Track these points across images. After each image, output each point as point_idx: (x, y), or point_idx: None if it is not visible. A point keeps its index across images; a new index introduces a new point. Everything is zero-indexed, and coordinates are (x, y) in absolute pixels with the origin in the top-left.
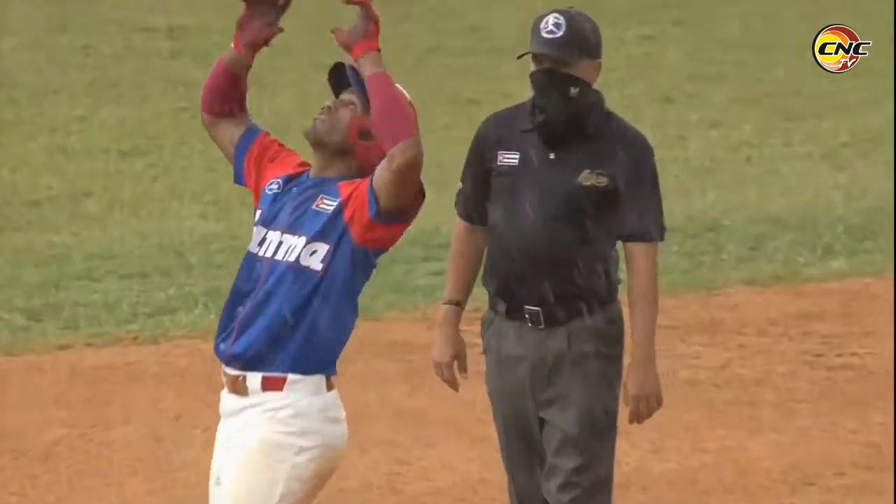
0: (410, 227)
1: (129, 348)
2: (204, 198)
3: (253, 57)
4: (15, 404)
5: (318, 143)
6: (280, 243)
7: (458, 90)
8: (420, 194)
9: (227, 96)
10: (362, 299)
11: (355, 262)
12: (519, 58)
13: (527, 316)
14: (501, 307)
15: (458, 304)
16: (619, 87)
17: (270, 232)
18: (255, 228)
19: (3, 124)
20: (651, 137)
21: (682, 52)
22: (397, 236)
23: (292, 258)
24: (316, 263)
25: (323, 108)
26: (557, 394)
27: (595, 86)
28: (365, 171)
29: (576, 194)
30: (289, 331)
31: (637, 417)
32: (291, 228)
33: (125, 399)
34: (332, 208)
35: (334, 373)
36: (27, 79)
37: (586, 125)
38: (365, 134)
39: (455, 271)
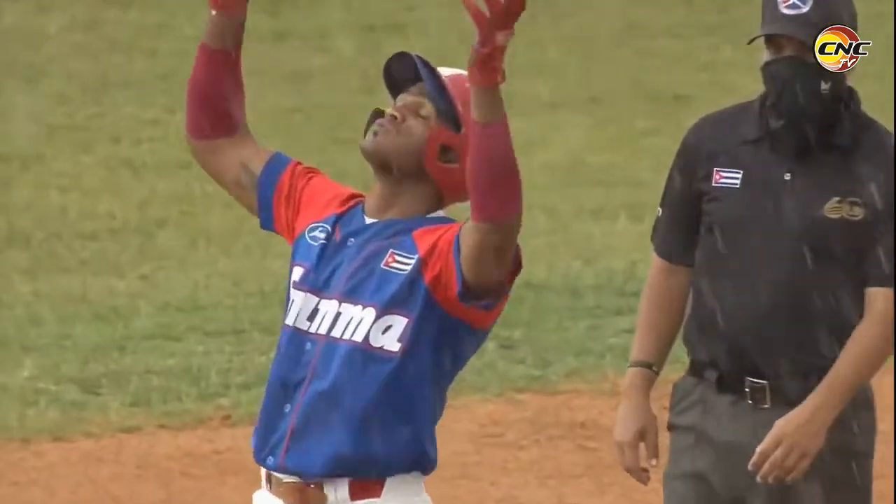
0: (597, 269)
1: (219, 431)
2: None
3: (244, 8)
4: None
5: (383, 166)
6: (338, 315)
7: (661, 82)
8: (517, 266)
9: (222, 97)
10: (529, 366)
11: (444, 340)
12: (750, 42)
13: (747, 390)
14: (711, 375)
15: (650, 367)
16: (875, 82)
17: (324, 301)
18: (294, 292)
19: (50, 130)
20: None
21: None
22: (494, 317)
23: (360, 336)
24: (392, 343)
25: (383, 116)
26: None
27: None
28: (444, 198)
29: (820, 230)
30: (366, 431)
31: (765, 463)
32: (354, 295)
33: (214, 500)
34: (408, 268)
35: (433, 468)
36: (81, 69)
37: (837, 134)
38: (446, 152)
39: (647, 324)
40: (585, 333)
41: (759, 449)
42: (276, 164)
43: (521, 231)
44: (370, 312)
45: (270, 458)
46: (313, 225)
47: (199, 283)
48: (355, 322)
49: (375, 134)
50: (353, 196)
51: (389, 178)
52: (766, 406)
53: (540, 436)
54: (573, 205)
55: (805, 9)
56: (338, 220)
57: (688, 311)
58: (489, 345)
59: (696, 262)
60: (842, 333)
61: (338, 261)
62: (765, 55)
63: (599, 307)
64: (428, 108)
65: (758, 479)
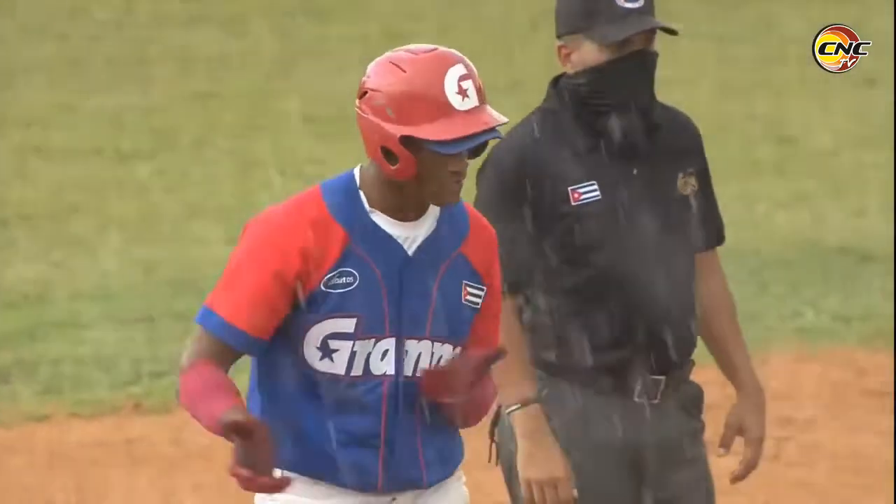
0: None
1: (131, 420)
2: (235, 215)
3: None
4: None
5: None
6: (433, 355)
7: None
8: None
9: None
10: None
11: None
12: (610, 44)
13: (637, 387)
14: (606, 383)
15: (537, 402)
16: (796, 62)
17: (411, 341)
18: (346, 343)
19: None
20: (845, 130)
21: (889, 19)
22: None
23: None
24: None
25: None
26: (674, 496)
27: None
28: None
29: (678, 210)
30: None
31: (753, 467)
32: (444, 335)
33: (124, 489)
34: (480, 300)
35: None
36: None
37: (651, 118)
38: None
39: (523, 360)
40: None
41: (745, 461)
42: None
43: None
44: (450, 349)
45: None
46: (328, 276)
47: (110, 271)
48: (439, 358)
49: (460, 187)
50: (295, 237)
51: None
52: (656, 402)
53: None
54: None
55: (641, 2)
56: (347, 257)
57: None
58: None
59: (568, 284)
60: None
61: (402, 297)
62: (600, 54)
63: None
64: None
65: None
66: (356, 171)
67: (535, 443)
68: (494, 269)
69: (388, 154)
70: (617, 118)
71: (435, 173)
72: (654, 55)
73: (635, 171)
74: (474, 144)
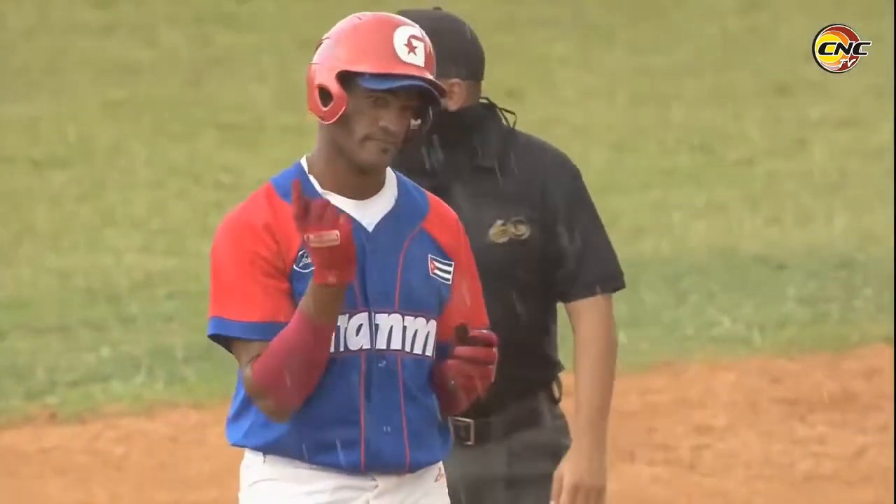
0: None
1: (45, 430)
2: (149, 224)
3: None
4: None
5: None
6: (405, 329)
7: (493, 77)
8: None
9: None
10: None
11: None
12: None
13: (451, 427)
14: None
15: None
16: (712, 72)
17: (381, 315)
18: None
19: None
20: (760, 140)
21: (801, 25)
22: None
23: (431, 351)
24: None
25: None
26: None
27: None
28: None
29: (489, 256)
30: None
31: None
32: (413, 307)
33: (40, 499)
34: (450, 276)
35: None
36: None
37: (482, 156)
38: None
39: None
40: None
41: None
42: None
43: None
44: (433, 324)
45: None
46: (299, 255)
47: (24, 279)
48: (423, 335)
49: (385, 152)
50: (261, 224)
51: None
52: (470, 443)
53: None
54: None
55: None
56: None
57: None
58: None
59: None
60: (533, 354)
61: (366, 272)
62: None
63: None
64: (407, 120)
65: None
66: (303, 161)
67: (601, 451)
68: (461, 249)
69: (325, 95)
70: (428, 157)
71: (364, 121)
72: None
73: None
74: (401, 84)
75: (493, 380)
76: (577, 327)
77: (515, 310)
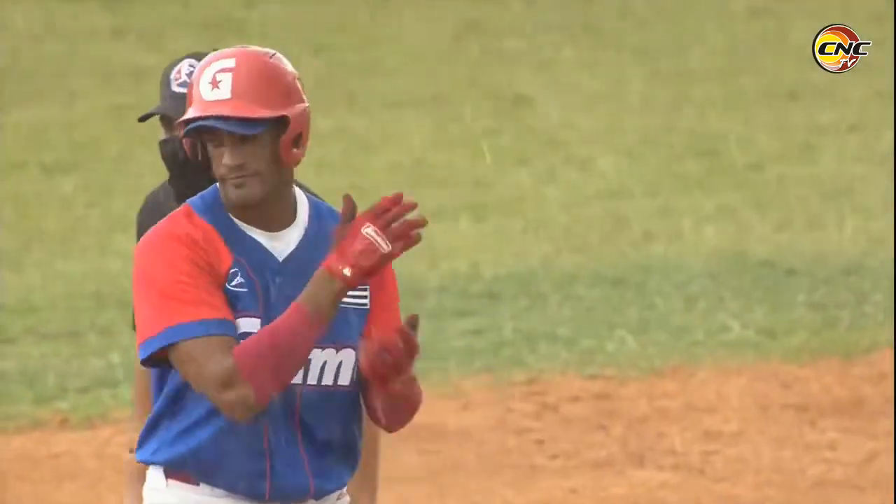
0: (440, 270)
1: (56, 435)
2: None
3: None
4: None
5: (256, 206)
6: (326, 363)
7: (502, 82)
8: None
9: None
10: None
11: None
12: (142, 120)
13: None
14: None
15: None
16: (721, 77)
17: (314, 350)
18: None
19: None
20: (768, 145)
21: (810, 30)
22: None
23: (346, 380)
24: (346, 378)
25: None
26: None
27: None
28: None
29: None
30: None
31: None
32: (329, 339)
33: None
34: (366, 301)
35: None
36: None
37: None
38: (297, 140)
39: (142, 408)
40: (428, 336)
41: None
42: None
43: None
44: (346, 353)
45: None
46: (230, 273)
47: (34, 285)
48: (333, 366)
49: (239, 187)
50: (188, 236)
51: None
52: None
53: (382, 440)
54: None
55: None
56: (236, 260)
57: None
58: None
59: None
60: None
61: (272, 305)
62: (161, 132)
63: (442, 309)
64: (258, 150)
65: None
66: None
67: None
68: (382, 274)
69: None
70: (175, 193)
71: (216, 164)
72: (168, 145)
73: None
74: (186, 129)
75: (407, 374)
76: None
77: None
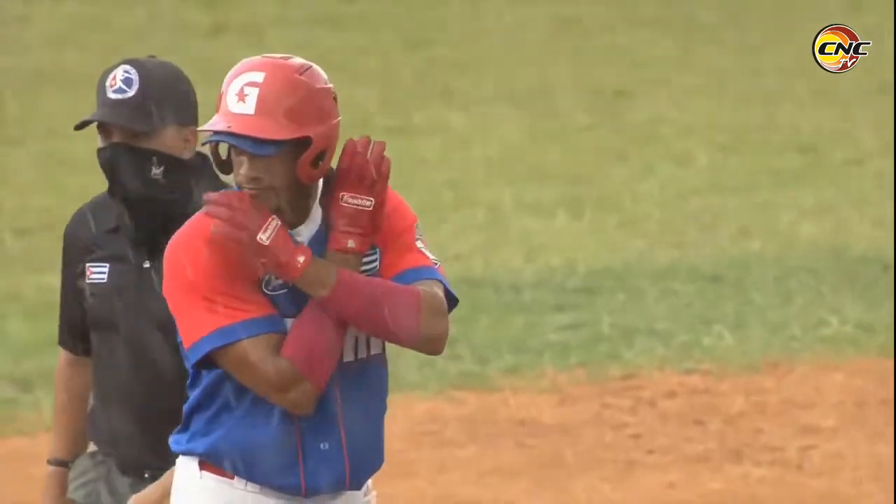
0: (536, 265)
1: None
2: None
3: None
4: None
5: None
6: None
7: (600, 77)
8: None
9: None
10: (468, 363)
11: None
12: (78, 128)
13: (146, 475)
14: (111, 459)
15: (66, 465)
16: (819, 72)
17: None
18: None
19: None
20: (868, 140)
21: None
22: None
23: (377, 348)
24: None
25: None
26: None
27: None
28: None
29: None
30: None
31: None
32: None
33: None
34: (376, 261)
35: None
36: (12, 63)
37: (187, 215)
38: (317, 160)
39: (59, 419)
40: (524, 330)
41: None
42: None
43: (460, 225)
44: None
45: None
46: (265, 278)
47: None
48: (363, 338)
49: (254, 197)
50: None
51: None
52: None
53: (478, 433)
54: (512, 200)
55: (131, 92)
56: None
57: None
58: None
59: (94, 354)
60: None
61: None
62: (99, 140)
63: (538, 303)
64: (275, 166)
65: None
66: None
67: None
68: (390, 229)
69: None
70: (120, 205)
71: (236, 174)
72: (118, 151)
73: (147, 265)
74: (205, 140)
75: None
76: None
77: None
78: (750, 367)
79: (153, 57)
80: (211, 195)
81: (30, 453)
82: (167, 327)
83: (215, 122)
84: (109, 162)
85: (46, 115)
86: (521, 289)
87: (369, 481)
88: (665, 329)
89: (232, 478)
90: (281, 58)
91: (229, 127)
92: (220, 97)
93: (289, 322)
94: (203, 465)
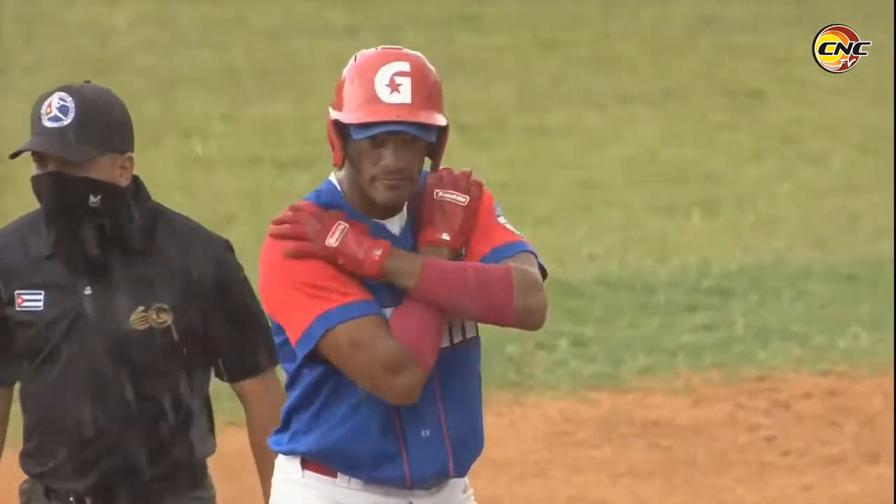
0: (670, 265)
1: None
2: None
3: None
4: None
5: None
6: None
7: (735, 76)
8: None
9: None
10: (602, 364)
11: None
12: (13, 157)
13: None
14: (40, 487)
15: None
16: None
17: None
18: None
19: None
20: None
21: None
22: None
23: (472, 331)
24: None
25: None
26: None
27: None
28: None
29: (129, 344)
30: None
31: None
32: None
33: None
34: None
35: None
36: (149, 64)
37: (125, 241)
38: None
39: None
40: (658, 331)
41: None
42: None
43: (595, 225)
44: None
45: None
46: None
47: None
48: (458, 323)
49: (392, 189)
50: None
51: None
52: None
53: (612, 434)
54: (646, 200)
55: (67, 121)
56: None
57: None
58: (561, 342)
59: (23, 387)
60: (175, 442)
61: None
62: (34, 167)
63: (672, 304)
64: (417, 155)
65: None
66: (333, 179)
67: None
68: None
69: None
70: (53, 230)
71: (367, 164)
72: (54, 180)
73: (88, 291)
74: (376, 132)
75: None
76: (247, 409)
77: (158, 399)
78: (886, 367)
79: (88, 82)
80: (274, 222)
81: None
82: (116, 354)
83: (375, 113)
84: (45, 191)
85: (183, 115)
86: (656, 289)
87: (466, 479)
88: (800, 330)
89: (335, 475)
90: (404, 50)
91: (398, 116)
92: (357, 92)
93: (387, 311)
94: (305, 464)
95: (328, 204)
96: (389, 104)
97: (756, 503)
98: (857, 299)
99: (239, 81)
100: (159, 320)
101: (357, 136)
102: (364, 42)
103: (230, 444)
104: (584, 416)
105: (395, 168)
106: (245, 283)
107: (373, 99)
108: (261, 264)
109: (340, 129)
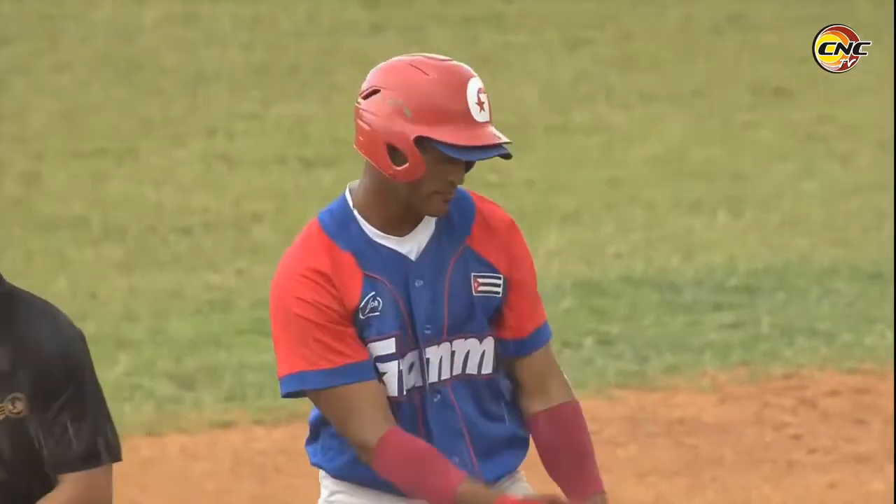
0: (696, 264)
1: None
2: None
3: None
4: (160, 502)
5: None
6: (453, 353)
7: (762, 75)
8: None
9: None
10: (627, 362)
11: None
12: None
13: None
14: None
15: None
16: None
17: (430, 348)
18: (385, 365)
19: (145, 123)
20: None
21: None
22: None
23: (488, 369)
24: (489, 365)
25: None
26: None
27: None
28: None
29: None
30: None
31: None
32: (460, 331)
33: (308, 496)
34: (500, 289)
35: None
36: (176, 62)
37: None
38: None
39: None
40: (684, 329)
41: None
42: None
43: (621, 224)
44: (488, 342)
45: None
46: (363, 303)
47: None
48: (476, 355)
49: (447, 201)
50: (320, 274)
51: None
52: None
53: (638, 433)
54: (672, 199)
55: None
56: (368, 281)
57: None
58: (586, 340)
59: None
60: None
61: (413, 303)
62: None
63: (698, 302)
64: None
65: None
66: (346, 194)
67: None
68: (515, 259)
69: (395, 153)
70: None
71: (434, 178)
72: None
73: None
74: (487, 156)
75: None
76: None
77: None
78: None
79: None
80: None
81: (190, 452)
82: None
83: (476, 137)
84: None
85: (208, 114)
86: (682, 288)
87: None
88: (826, 328)
89: (368, 487)
90: (445, 58)
91: (499, 139)
92: (448, 109)
93: (380, 344)
94: (337, 477)
95: (341, 233)
96: (483, 125)
97: (782, 501)
98: (882, 298)
99: (264, 80)
100: (14, 410)
101: (459, 156)
102: (389, 41)
103: (258, 443)
104: (610, 415)
105: (459, 183)
106: (85, 374)
107: (468, 120)
108: (277, 287)
109: (418, 144)
